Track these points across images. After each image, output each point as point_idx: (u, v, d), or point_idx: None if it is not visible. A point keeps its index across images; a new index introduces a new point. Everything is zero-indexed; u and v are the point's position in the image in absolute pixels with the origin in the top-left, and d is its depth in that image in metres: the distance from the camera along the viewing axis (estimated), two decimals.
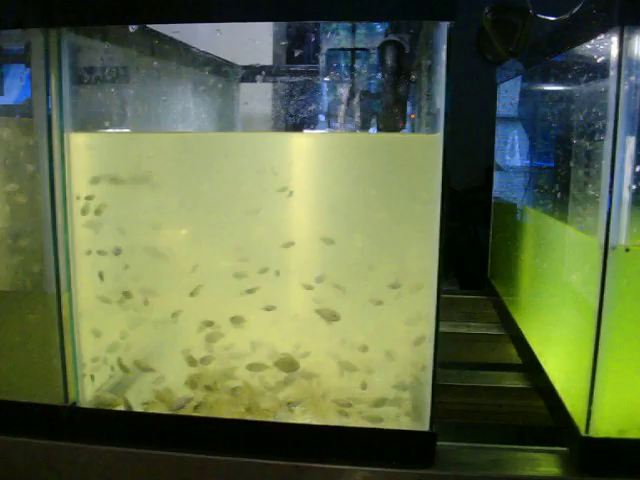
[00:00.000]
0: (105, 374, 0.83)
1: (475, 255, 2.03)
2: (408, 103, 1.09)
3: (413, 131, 1.06)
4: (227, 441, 0.79)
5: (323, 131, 0.95)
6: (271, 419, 0.79)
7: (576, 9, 0.90)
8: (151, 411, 0.81)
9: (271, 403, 0.79)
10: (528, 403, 0.96)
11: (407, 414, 0.78)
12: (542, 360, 0.97)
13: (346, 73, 1.19)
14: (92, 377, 0.82)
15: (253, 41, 0.96)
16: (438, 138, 0.70)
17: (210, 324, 0.79)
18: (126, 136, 0.86)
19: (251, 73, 1.20)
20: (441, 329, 0.73)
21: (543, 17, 1.03)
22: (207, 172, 0.79)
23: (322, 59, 1.18)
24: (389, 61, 1.13)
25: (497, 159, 1.49)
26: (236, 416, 0.79)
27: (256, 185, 0.77)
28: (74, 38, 0.77)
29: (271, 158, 0.78)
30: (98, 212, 0.79)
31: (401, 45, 1.13)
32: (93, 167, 0.79)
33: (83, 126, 0.80)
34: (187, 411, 0.81)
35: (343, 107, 1.01)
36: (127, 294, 0.80)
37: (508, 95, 1.42)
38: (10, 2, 0.75)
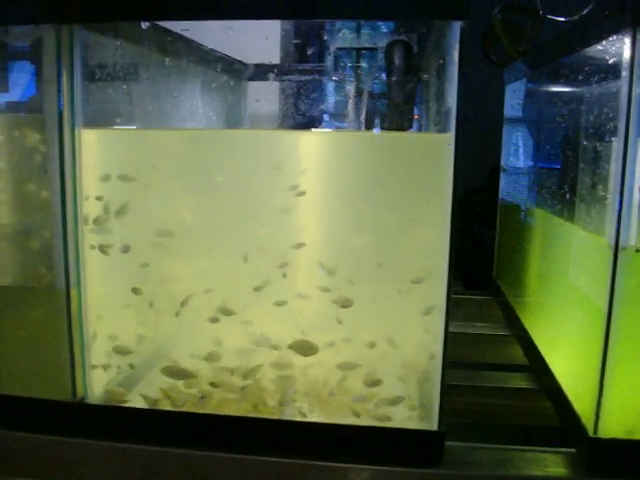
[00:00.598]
0: (114, 370, 0.83)
1: (480, 256, 2.02)
2: (414, 103, 1.09)
3: (420, 131, 1.06)
4: (234, 438, 0.79)
5: (333, 130, 0.95)
6: (277, 417, 0.79)
7: (586, 10, 0.90)
8: (159, 407, 0.81)
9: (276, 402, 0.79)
10: (535, 404, 0.96)
11: (416, 413, 0.77)
12: (549, 361, 0.97)
13: (354, 72, 1.19)
14: (104, 369, 0.83)
15: (262, 39, 0.96)
16: (450, 137, 0.70)
17: (216, 320, 0.79)
18: (137, 132, 0.86)
19: (260, 71, 1.20)
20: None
21: (553, 18, 1.03)
22: (218, 169, 0.79)
23: (330, 58, 1.18)
24: (397, 61, 1.13)
25: (504, 160, 1.49)
26: (243, 413, 0.80)
27: (268, 183, 0.77)
28: (86, 35, 0.77)
29: (282, 156, 0.78)
30: (108, 208, 0.79)
31: (409, 45, 1.13)
32: (104, 163, 0.79)
33: (93, 122, 0.80)
34: (195, 408, 0.81)
35: (352, 106, 1.01)
36: (136, 290, 0.80)
37: (516, 96, 1.42)
38: None
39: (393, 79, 1.11)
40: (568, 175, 0.95)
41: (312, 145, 0.79)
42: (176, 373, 0.81)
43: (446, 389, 0.75)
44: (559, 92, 1.09)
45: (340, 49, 1.18)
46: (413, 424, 0.77)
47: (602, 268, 0.74)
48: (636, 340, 0.74)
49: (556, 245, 1.02)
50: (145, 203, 0.80)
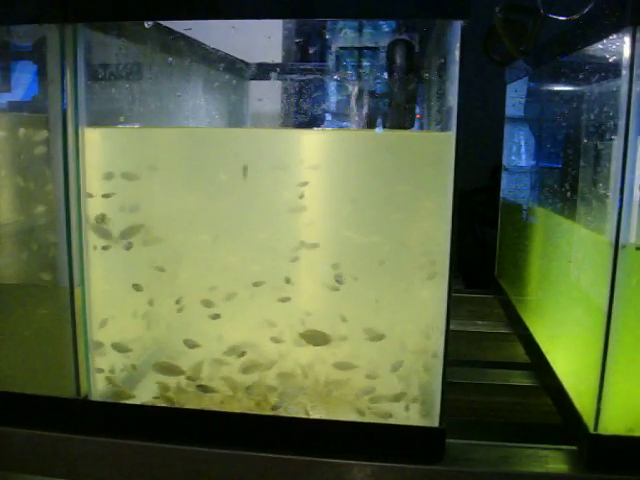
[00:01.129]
0: (118, 367, 0.83)
1: (481, 255, 2.03)
2: (416, 102, 1.09)
3: (422, 130, 1.07)
4: (237, 435, 0.79)
5: (335, 128, 0.95)
6: (279, 414, 0.80)
7: (587, 9, 0.90)
8: (163, 404, 0.82)
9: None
10: (536, 401, 0.96)
11: (417, 410, 0.78)
12: (550, 358, 0.98)
13: (356, 71, 1.19)
14: (106, 370, 0.83)
15: (264, 39, 0.97)
16: (451, 136, 0.71)
17: (217, 316, 0.80)
18: (140, 130, 0.86)
19: (262, 71, 1.20)
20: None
21: (554, 17, 1.03)
22: (221, 167, 0.79)
23: (332, 57, 1.19)
24: (399, 60, 1.14)
25: (505, 159, 1.49)
26: (246, 410, 0.80)
27: (270, 180, 0.77)
28: (89, 34, 0.77)
29: (285, 154, 0.78)
30: (111, 205, 0.80)
31: (411, 44, 1.14)
32: (107, 161, 0.80)
33: (97, 121, 0.80)
34: (199, 405, 0.81)
35: (353, 105, 1.02)
36: (139, 287, 0.81)
37: (517, 95, 1.42)
38: None
39: (395, 78, 1.11)
40: (569, 174, 0.96)
41: (314, 143, 0.79)
42: (168, 370, 0.82)
43: (447, 386, 0.75)
44: (560, 91, 1.10)
45: (342, 48, 1.19)
46: (414, 421, 0.78)
47: (603, 266, 0.75)
48: (636, 338, 0.74)
49: (557, 244, 1.02)
50: (149, 200, 0.80)
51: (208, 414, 0.81)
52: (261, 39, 0.94)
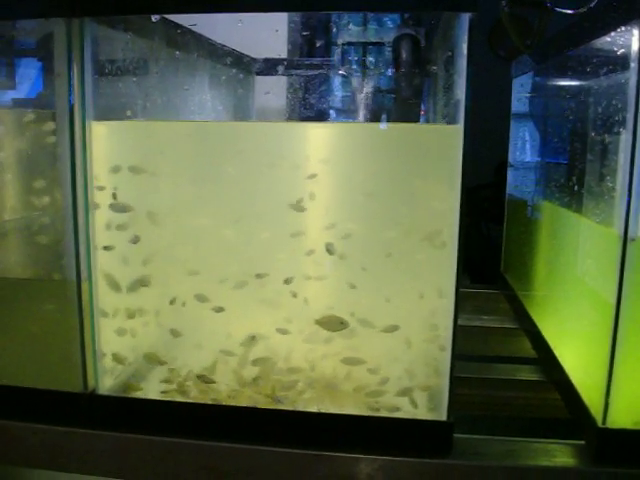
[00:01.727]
0: (125, 361, 0.83)
1: (487, 251, 2.03)
2: (422, 97, 1.10)
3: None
4: (246, 429, 0.79)
5: (343, 122, 0.95)
6: (287, 408, 0.80)
7: (594, 2, 0.90)
8: (170, 399, 0.82)
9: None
10: (544, 395, 0.96)
11: (425, 404, 0.78)
12: (558, 353, 0.97)
13: (362, 66, 1.19)
14: (113, 364, 0.83)
15: (270, 34, 0.97)
16: (459, 128, 0.70)
17: (220, 310, 0.80)
18: (147, 124, 0.86)
19: (268, 66, 1.20)
20: None
21: (561, 11, 1.03)
22: (227, 160, 0.79)
23: (338, 52, 1.19)
24: (405, 54, 1.14)
25: (511, 154, 1.49)
26: (254, 404, 0.80)
27: (281, 174, 0.77)
28: (96, 28, 0.77)
29: (291, 148, 0.78)
30: (118, 200, 0.80)
31: (417, 39, 1.14)
32: (114, 155, 0.80)
33: (104, 115, 0.80)
34: (207, 399, 0.81)
35: (359, 99, 1.02)
36: (146, 281, 0.81)
37: (523, 90, 1.42)
38: None
39: (401, 73, 1.11)
40: (576, 167, 0.96)
41: (321, 137, 0.79)
42: (176, 363, 0.82)
43: (455, 380, 0.75)
44: (567, 85, 1.09)
45: (348, 44, 1.19)
46: (422, 415, 0.78)
47: (611, 260, 0.74)
48: None
49: (564, 238, 1.02)
50: (156, 194, 0.80)
51: (216, 408, 0.81)
52: (268, 34, 0.94)
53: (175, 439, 0.79)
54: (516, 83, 1.46)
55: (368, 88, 1.01)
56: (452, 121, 0.73)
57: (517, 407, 0.95)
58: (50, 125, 0.82)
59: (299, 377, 0.80)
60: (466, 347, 1.08)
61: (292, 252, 0.78)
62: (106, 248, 0.81)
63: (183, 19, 0.87)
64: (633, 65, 0.71)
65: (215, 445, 0.78)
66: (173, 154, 0.80)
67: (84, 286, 0.81)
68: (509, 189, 1.50)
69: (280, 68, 1.17)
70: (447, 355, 0.75)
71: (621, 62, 0.76)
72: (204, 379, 0.81)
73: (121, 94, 0.86)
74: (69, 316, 0.81)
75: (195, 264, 0.81)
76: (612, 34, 0.79)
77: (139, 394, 0.83)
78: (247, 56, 1.17)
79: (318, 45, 1.16)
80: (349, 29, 1.15)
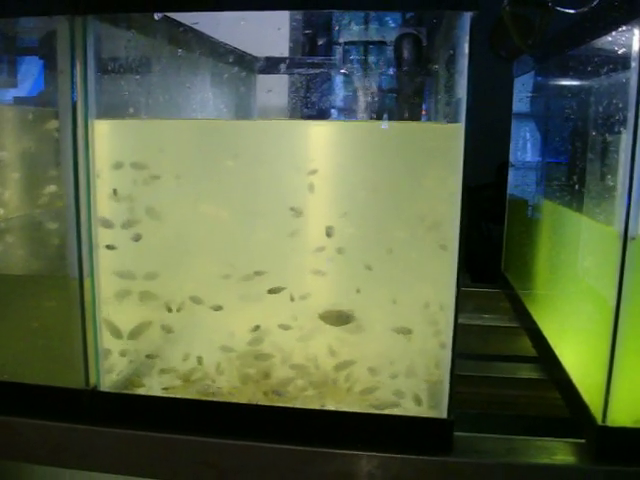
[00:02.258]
0: (127, 358, 0.83)
1: (488, 250, 2.03)
2: (424, 96, 1.10)
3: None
4: (246, 426, 0.80)
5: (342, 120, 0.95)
6: (288, 405, 0.80)
7: (596, 1, 0.90)
8: (171, 395, 0.82)
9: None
10: (544, 394, 0.96)
11: (425, 401, 0.78)
12: (558, 352, 0.98)
13: (363, 65, 1.20)
14: (117, 356, 0.83)
15: (272, 33, 0.97)
16: (460, 128, 0.71)
17: (219, 308, 0.80)
18: (149, 122, 0.86)
19: (269, 64, 1.20)
20: None
21: (562, 10, 1.03)
22: (229, 158, 0.79)
23: (339, 51, 1.19)
24: (406, 53, 1.14)
25: (512, 153, 1.49)
26: (255, 400, 0.80)
27: (281, 171, 0.78)
28: (99, 26, 0.77)
29: (293, 146, 0.78)
30: (120, 198, 0.80)
31: (418, 38, 1.14)
32: (116, 153, 0.80)
33: (106, 113, 0.80)
34: (208, 396, 0.81)
35: (361, 98, 1.02)
36: (147, 278, 0.81)
37: (524, 89, 1.42)
38: None
39: (402, 72, 1.11)
40: (577, 166, 0.96)
41: (322, 135, 0.79)
42: (177, 360, 0.82)
43: (456, 378, 0.75)
44: (568, 84, 1.09)
45: (349, 42, 1.19)
46: (423, 412, 0.78)
47: (611, 259, 0.75)
48: None
49: (565, 237, 1.02)
50: (158, 193, 0.80)
51: (217, 405, 0.81)
52: (270, 33, 0.94)
53: (176, 436, 0.79)
54: (517, 83, 1.46)
55: (369, 87, 1.02)
56: (453, 120, 0.73)
57: (517, 405, 0.96)
58: (53, 123, 0.82)
59: (300, 374, 0.80)
60: (467, 345, 1.08)
61: (293, 249, 0.79)
62: (108, 247, 0.81)
63: (185, 17, 0.87)
64: (634, 65, 0.71)
65: (216, 442, 0.78)
66: (174, 152, 0.81)
67: (86, 283, 0.81)
68: (510, 189, 1.51)
69: (282, 67, 1.18)
70: (448, 353, 0.75)
71: (622, 62, 0.76)
72: (205, 376, 0.82)
73: (123, 92, 0.86)
74: (71, 312, 0.82)
75: (196, 260, 0.81)
76: (613, 34, 0.79)
77: (141, 391, 0.83)
78: (249, 54, 1.17)
79: (320, 44, 1.16)
80: (351, 28, 1.15)
